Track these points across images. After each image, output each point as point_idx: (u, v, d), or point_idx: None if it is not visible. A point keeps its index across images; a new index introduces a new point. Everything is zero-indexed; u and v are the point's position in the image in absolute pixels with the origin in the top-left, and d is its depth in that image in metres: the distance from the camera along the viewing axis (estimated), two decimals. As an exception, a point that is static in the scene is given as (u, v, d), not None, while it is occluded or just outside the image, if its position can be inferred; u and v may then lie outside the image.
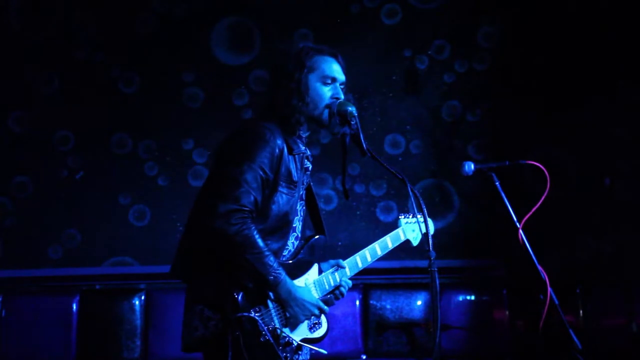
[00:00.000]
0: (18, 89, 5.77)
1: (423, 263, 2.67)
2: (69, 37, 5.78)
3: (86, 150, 5.75)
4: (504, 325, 5.31)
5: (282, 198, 2.77)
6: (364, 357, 5.29)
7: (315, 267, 2.94)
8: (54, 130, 5.75)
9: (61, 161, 5.73)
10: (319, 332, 2.89)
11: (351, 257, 3.04)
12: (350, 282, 3.00)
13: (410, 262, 5.48)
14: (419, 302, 5.38)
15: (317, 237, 3.00)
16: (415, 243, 3.29)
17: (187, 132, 5.79)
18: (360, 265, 3.05)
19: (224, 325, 2.63)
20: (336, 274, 2.97)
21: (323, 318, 2.92)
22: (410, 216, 3.27)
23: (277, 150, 2.74)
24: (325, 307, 2.82)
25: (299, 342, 2.80)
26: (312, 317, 2.82)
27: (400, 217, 3.27)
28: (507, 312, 5.33)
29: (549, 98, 5.72)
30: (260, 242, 2.65)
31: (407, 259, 5.48)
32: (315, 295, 2.87)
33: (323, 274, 2.95)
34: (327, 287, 2.93)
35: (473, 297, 5.40)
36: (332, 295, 2.94)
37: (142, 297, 5.32)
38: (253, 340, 2.62)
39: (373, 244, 3.11)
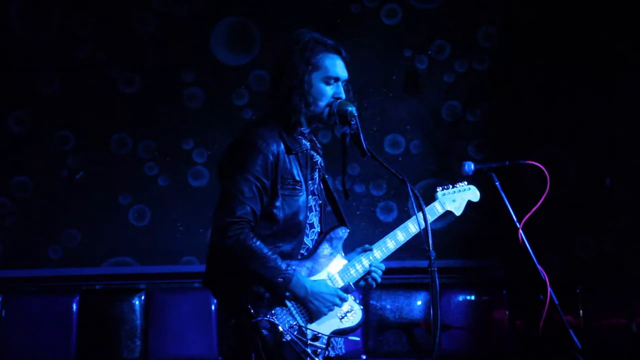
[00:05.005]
0: (18, 89, 5.77)
1: (423, 263, 2.66)
2: (69, 37, 5.78)
3: (86, 150, 5.74)
4: (504, 325, 5.31)
5: (285, 202, 2.76)
6: (364, 357, 5.28)
7: (338, 258, 2.90)
8: (54, 130, 5.74)
9: (61, 161, 5.73)
10: (353, 322, 2.85)
11: (380, 240, 2.96)
12: (382, 265, 2.94)
13: (410, 262, 5.46)
14: (419, 302, 5.38)
15: (335, 229, 2.94)
16: (458, 213, 3.21)
17: (187, 132, 5.78)
18: (391, 246, 2.96)
19: (245, 332, 2.63)
20: (363, 259, 2.92)
21: (357, 306, 2.87)
22: (451, 187, 3.21)
23: (271, 157, 2.72)
24: (345, 295, 2.80)
25: (329, 336, 2.77)
26: (340, 307, 2.79)
27: (437, 189, 3.17)
28: (507, 312, 5.32)
29: (549, 98, 5.72)
30: (261, 249, 2.66)
31: (407, 259, 5.48)
32: (338, 285, 2.83)
33: (347, 263, 2.90)
34: (354, 274, 2.88)
35: (473, 297, 5.39)
36: (364, 281, 2.91)
37: (142, 297, 5.32)
38: (275, 343, 2.62)
39: (405, 222, 3.01)
